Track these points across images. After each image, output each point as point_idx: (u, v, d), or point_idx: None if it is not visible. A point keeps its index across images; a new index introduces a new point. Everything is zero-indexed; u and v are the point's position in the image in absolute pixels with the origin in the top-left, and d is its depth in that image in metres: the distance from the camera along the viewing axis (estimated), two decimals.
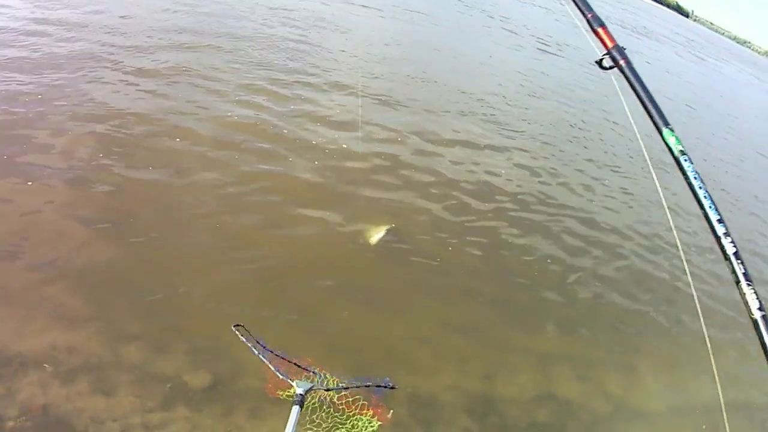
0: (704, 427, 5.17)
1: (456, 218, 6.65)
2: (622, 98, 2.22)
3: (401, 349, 4.58)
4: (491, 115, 10.64)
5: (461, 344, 4.85)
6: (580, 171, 9.54)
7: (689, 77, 25.84)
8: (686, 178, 1.74)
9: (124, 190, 5.33)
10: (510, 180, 8.25)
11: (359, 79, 9.66)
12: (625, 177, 10.23)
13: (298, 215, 5.75)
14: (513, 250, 6.47)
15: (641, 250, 7.66)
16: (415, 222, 6.27)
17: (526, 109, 11.98)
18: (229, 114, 7.25)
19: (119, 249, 4.65)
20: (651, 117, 1.85)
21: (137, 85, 7.22)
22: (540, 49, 18.90)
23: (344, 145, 7.36)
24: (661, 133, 1.82)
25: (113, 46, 8.23)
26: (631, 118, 2.29)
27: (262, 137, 6.93)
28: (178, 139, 6.33)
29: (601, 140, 11.80)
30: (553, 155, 9.75)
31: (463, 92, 11.40)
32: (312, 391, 2.98)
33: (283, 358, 3.41)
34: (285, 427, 2.48)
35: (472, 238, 6.37)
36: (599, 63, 1.93)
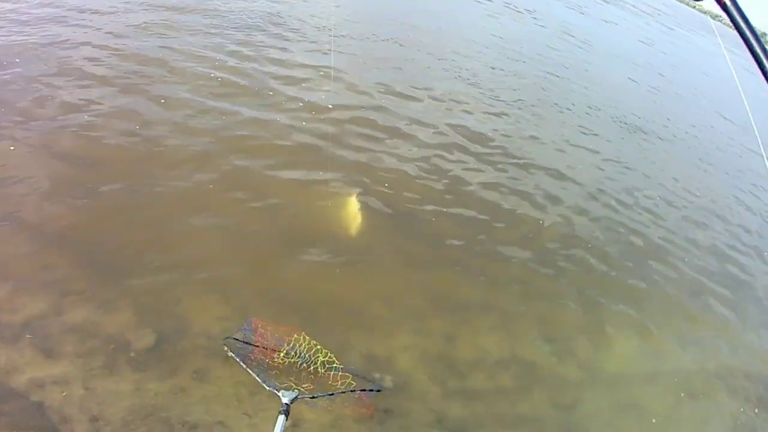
0: (682, 395, 5.06)
1: (427, 180, 6.45)
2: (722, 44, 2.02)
3: (356, 306, 4.43)
4: (464, 77, 10.30)
5: (421, 303, 4.68)
6: (553, 132, 9.31)
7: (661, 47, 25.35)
8: None
9: (83, 150, 5.11)
10: (489, 141, 8.08)
11: (332, 41, 9.34)
12: (594, 134, 10.13)
13: (266, 177, 5.54)
14: (480, 210, 6.29)
15: (614, 211, 7.51)
16: (385, 184, 6.05)
17: (503, 71, 11.64)
18: (198, 72, 6.99)
19: (69, 205, 4.47)
20: (765, 73, 1.54)
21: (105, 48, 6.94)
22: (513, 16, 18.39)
23: (316, 104, 7.13)
24: None
25: (82, 9, 7.90)
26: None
27: (230, 96, 6.69)
28: (145, 100, 6.09)
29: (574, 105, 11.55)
30: (529, 117, 9.51)
31: (439, 57, 10.99)
32: (298, 400, 3.05)
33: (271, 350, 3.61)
34: None
35: (441, 197, 6.22)
36: None
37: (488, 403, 4.12)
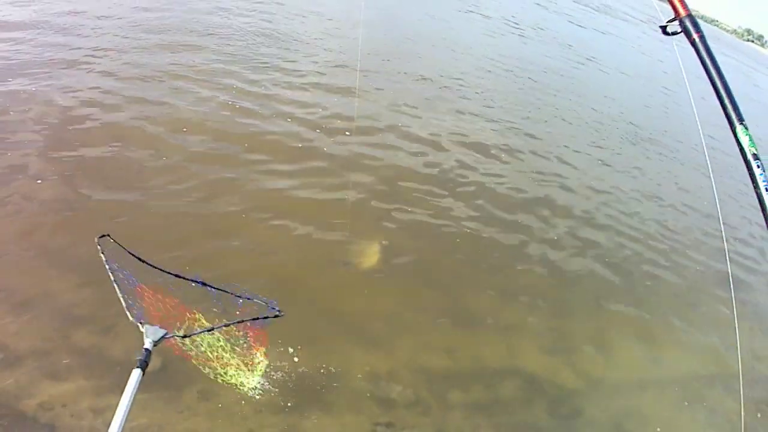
0: (686, 403, 5.09)
1: (429, 204, 6.52)
2: (684, 72, 2.09)
3: (357, 323, 4.49)
4: (482, 113, 10.18)
5: (420, 318, 4.75)
6: (569, 163, 9.33)
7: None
8: (755, 185, 1.56)
9: (85, 180, 5.22)
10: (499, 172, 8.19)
11: (358, 76, 9.29)
12: (610, 166, 10.17)
13: (282, 222, 5.49)
14: (481, 223, 6.40)
15: (616, 224, 7.60)
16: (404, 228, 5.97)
17: (516, 99, 11.69)
18: (209, 117, 6.91)
19: (71, 230, 4.59)
20: (724, 109, 1.66)
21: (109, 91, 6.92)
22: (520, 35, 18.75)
23: (336, 144, 7.09)
24: (733, 129, 1.63)
25: (87, 47, 7.95)
26: (693, 105, 2.19)
27: (241, 142, 6.60)
28: (160, 147, 6.07)
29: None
30: (548, 149, 9.46)
31: (447, 86, 10.97)
32: (165, 340, 2.28)
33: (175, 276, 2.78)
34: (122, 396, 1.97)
35: (443, 221, 6.28)
36: (663, 28, 1.82)
37: (489, 414, 4.16)
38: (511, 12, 21.95)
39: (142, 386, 3.56)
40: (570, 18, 26.68)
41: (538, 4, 28.00)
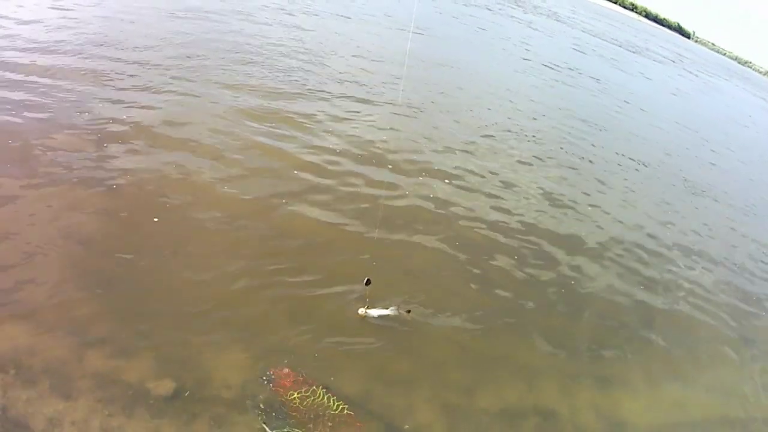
0: None
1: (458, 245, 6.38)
2: None
3: (379, 360, 4.35)
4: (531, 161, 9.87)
5: (442, 356, 4.61)
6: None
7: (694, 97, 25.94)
8: None
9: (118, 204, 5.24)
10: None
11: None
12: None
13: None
14: (506, 263, 6.27)
15: (640, 266, 7.46)
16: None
17: (565, 150, 11.34)
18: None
19: (96, 251, 4.58)
20: None
21: None
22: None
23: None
24: None
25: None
26: None
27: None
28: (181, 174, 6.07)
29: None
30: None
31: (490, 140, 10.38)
32: None
33: None
34: None
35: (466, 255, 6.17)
36: None
37: None
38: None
39: (154, 410, 3.49)
40: (619, 67, 27.09)
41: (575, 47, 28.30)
